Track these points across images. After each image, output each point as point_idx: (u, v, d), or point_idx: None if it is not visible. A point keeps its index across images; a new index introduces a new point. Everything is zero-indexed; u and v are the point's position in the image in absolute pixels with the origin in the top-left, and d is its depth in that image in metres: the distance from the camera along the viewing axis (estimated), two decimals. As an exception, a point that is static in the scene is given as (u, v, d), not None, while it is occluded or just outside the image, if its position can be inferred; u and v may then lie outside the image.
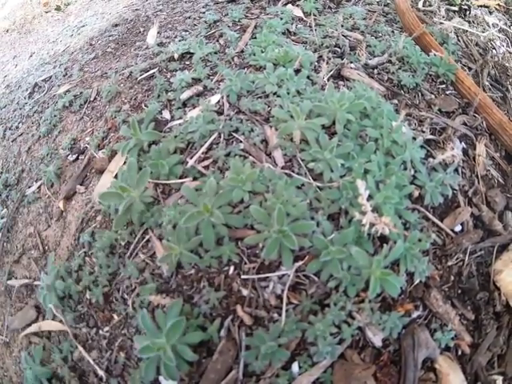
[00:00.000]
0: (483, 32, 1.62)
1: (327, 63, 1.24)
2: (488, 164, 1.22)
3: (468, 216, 1.08)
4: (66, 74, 1.69)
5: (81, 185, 1.25)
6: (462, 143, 1.21)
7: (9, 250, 1.33)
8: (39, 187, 1.37)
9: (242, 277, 0.89)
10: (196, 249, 0.91)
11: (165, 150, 1.06)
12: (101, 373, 0.95)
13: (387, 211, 0.92)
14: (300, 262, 0.88)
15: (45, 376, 1.03)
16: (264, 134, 1.06)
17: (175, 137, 1.09)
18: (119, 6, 2.11)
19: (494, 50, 1.59)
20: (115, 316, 0.98)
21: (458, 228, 1.06)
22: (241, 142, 1.05)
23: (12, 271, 1.28)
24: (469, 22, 1.67)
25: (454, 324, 0.95)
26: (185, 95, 1.21)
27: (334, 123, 1.04)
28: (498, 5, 1.82)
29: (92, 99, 1.46)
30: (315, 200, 0.94)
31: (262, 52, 1.28)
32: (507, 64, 1.55)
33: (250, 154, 1.02)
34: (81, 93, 1.50)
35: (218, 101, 1.17)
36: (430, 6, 1.72)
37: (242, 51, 1.37)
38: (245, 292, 0.88)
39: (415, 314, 0.92)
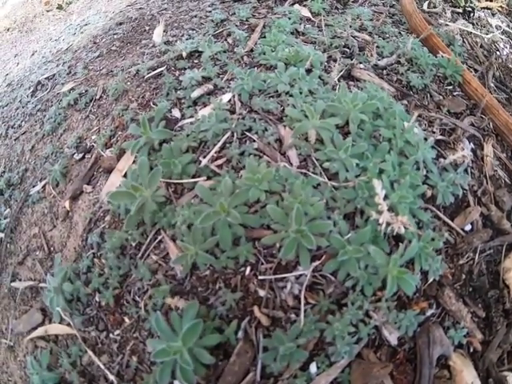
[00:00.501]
0: (487, 34, 1.65)
1: (337, 63, 1.25)
2: (495, 164, 1.24)
3: (477, 215, 1.09)
4: (70, 72, 1.66)
5: (88, 184, 1.22)
6: (471, 144, 1.22)
7: (12, 251, 1.30)
8: (44, 187, 1.33)
9: (259, 277, 0.88)
10: (212, 249, 0.90)
11: (177, 149, 1.04)
12: (112, 377, 0.93)
13: (402, 210, 0.92)
14: (317, 262, 0.88)
15: (52, 381, 1.00)
16: (278, 133, 1.05)
17: (187, 135, 1.08)
18: (122, 5, 2.09)
19: (497, 52, 1.61)
20: (126, 319, 0.96)
21: (468, 227, 1.07)
22: (254, 141, 1.04)
23: (16, 273, 1.25)
24: (473, 24, 1.70)
25: (466, 321, 0.95)
26: (195, 94, 1.20)
27: (347, 123, 1.04)
28: (501, 7, 1.85)
29: (98, 97, 1.44)
30: (331, 200, 0.94)
31: (273, 51, 1.28)
32: (511, 66, 1.58)
33: (265, 154, 1.01)
34: (86, 91, 1.48)
35: (230, 99, 1.16)
36: (435, 7, 1.74)
37: (252, 50, 1.36)
38: (262, 293, 0.87)
39: (429, 312, 0.93)
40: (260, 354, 0.83)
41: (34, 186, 1.35)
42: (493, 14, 1.83)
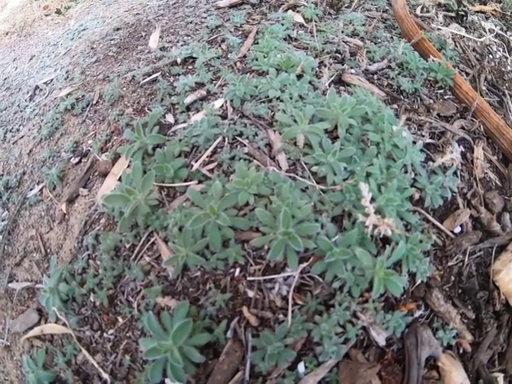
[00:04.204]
0: (480, 37, 1.66)
1: (328, 69, 1.27)
2: (486, 167, 1.25)
3: (467, 218, 1.10)
4: (68, 77, 1.69)
5: (84, 187, 1.25)
6: (461, 147, 1.24)
7: (10, 252, 1.33)
8: (41, 190, 1.36)
9: (248, 278, 0.90)
10: (202, 251, 0.92)
11: (169, 154, 1.07)
12: (105, 376, 0.95)
13: (389, 213, 0.94)
14: (305, 264, 0.89)
15: (48, 380, 1.02)
16: (268, 138, 1.07)
17: (180, 140, 1.10)
18: (120, 11, 2.12)
19: (490, 56, 1.63)
20: (120, 319, 0.98)
21: (457, 229, 1.08)
22: (245, 145, 1.06)
23: (13, 274, 1.27)
24: (466, 28, 1.72)
25: (455, 323, 0.96)
26: (188, 99, 1.23)
27: (336, 128, 1.06)
28: (495, 10, 1.86)
29: (94, 102, 1.47)
30: (319, 202, 0.96)
31: (265, 57, 1.30)
32: (503, 69, 1.59)
33: (255, 158, 1.04)
34: (83, 96, 1.51)
35: (222, 105, 1.19)
36: (428, 12, 1.76)
37: (245, 56, 1.39)
38: (251, 293, 0.89)
39: (417, 314, 0.94)
40: (249, 354, 0.85)
41: (31, 189, 1.38)
42: (486, 18, 1.84)
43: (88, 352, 0.99)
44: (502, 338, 1.00)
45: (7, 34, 2.54)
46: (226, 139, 1.09)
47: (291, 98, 1.13)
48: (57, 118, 1.50)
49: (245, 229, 0.92)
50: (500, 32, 1.77)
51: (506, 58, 1.66)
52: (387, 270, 0.87)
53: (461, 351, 0.96)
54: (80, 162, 1.32)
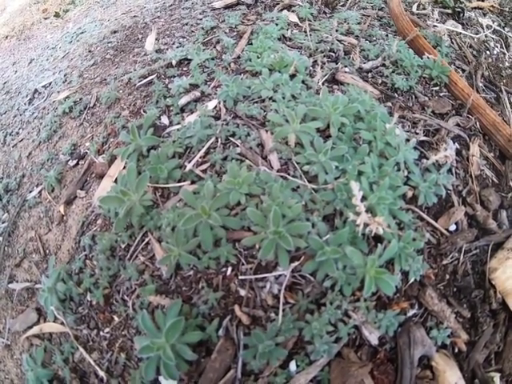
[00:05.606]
0: (477, 34, 1.65)
1: (322, 68, 1.27)
2: (482, 164, 1.24)
3: (462, 215, 1.09)
4: (66, 81, 1.72)
5: (81, 189, 1.27)
6: (456, 144, 1.23)
7: (10, 253, 1.35)
8: (40, 192, 1.39)
9: (240, 277, 0.91)
10: (194, 250, 0.93)
11: (163, 155, 1.08)
12: (101, 373, 0.96)
13: (381, 211, 0.94)
14: (296, 263, 0.90)
15: (46, 377, 1.04)
16: (260, 138, 1.08)
17: (174, 142, 1.12)
18: (117, 13, 2.15)
19: (487, 52, 1.61)
20: (116, 317, 1.00)
21: (452, 227, 1.08)
22: (237, 146, 1.07)
23: (13, 275, 1.30)
24: (462, 25, 1.70)
25: (449, 322, 0.96)
26: (183, 101, 1.24)
27: (328, 126, 1.06)
28: (492, 6, 1.84)
29: (92, 105, 1.49)
30: (310, 202, 0.96)
31: (258, 58, 1.31)
32: (501, 65, 1.58)
33: (247, 158, 1.04)
34: (80, 99, 1.53)
35: (215, 106, 1.20)
36: (424, 9, 1.74)
37: (239, 57, 1.39)
38: (242, 292, 0.89)
39: (411, 313, 0.94)
40: (240, 352, 0.85)
41: (30, 192, 1.41)
42: (484, 14, 1.83)
43: (85, 350, 1.01)
44: (499, 337, 0.99)
45: (7, 37, 2.58)
46: (219, 140, 1.10)
47: (284, 98, 1.14)
48: (55, 121, 1.52)
49: (236, 228, 0.93)
50: (498, 28, 1.75)
51: (504, 53, 1.64)
52: (379, 268, 0.87)
53: (456, 350, 0.95)
54: (77, 164, 1.34)
